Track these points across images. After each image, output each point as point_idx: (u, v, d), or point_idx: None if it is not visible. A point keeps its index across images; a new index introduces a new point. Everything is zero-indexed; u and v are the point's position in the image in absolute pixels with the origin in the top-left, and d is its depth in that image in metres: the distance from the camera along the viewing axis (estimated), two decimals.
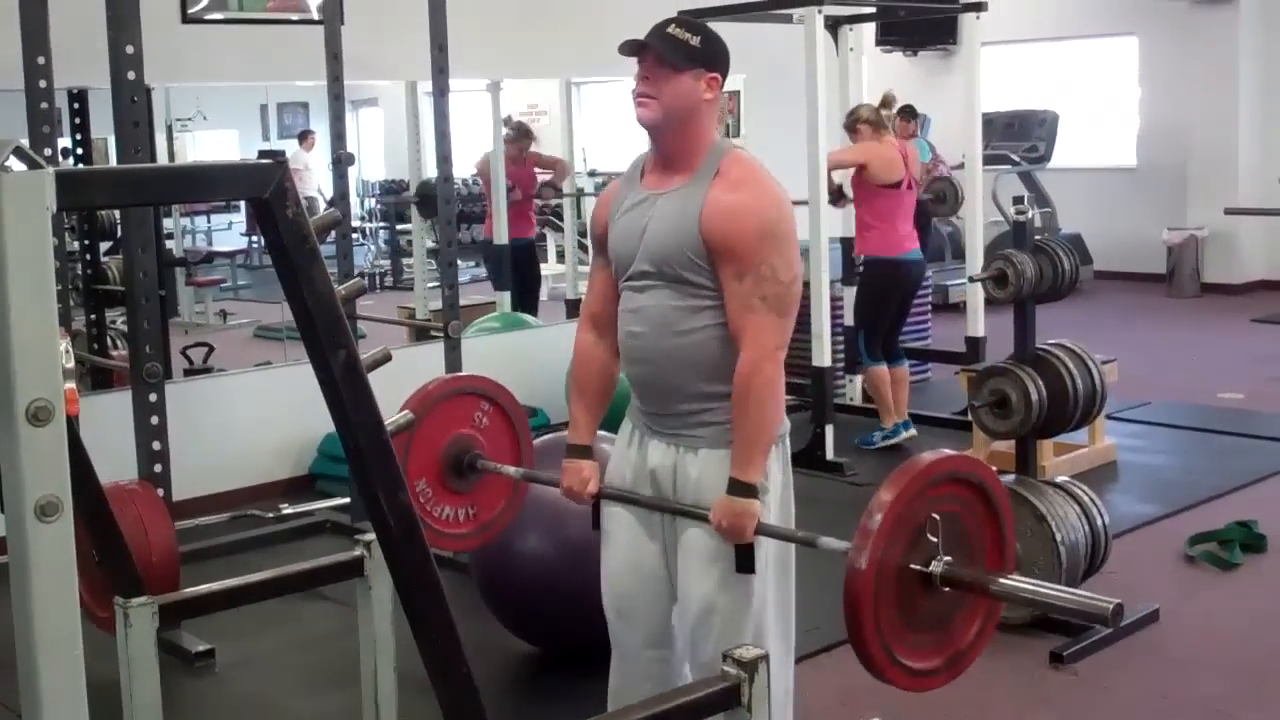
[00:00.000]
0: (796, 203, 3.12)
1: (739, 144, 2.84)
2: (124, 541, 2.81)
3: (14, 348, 1.42)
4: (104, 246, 6.77)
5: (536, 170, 8.75)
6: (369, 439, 1.87)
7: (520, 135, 8.49)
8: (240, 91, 8.66)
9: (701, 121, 2.72)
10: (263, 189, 1.69)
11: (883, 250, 6.51)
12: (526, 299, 8.37)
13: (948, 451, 2.42)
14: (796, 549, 2.86)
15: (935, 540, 2.26)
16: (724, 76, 2.75)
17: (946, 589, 2.29)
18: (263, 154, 1.71)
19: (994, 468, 4.62)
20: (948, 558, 2.27)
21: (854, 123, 6.59)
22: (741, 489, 2.67)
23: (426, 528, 3.13)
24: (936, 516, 2.26)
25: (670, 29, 2.70)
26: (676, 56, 2.67)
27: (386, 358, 2.34)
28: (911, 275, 6.68)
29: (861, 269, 6.75)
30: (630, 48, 2.70)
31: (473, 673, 2.10)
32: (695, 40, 2.69)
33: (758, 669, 2.31)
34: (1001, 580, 2.30)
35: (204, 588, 3.17)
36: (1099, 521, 4.28)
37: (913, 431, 6.66)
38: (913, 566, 2.27)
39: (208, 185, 1.83)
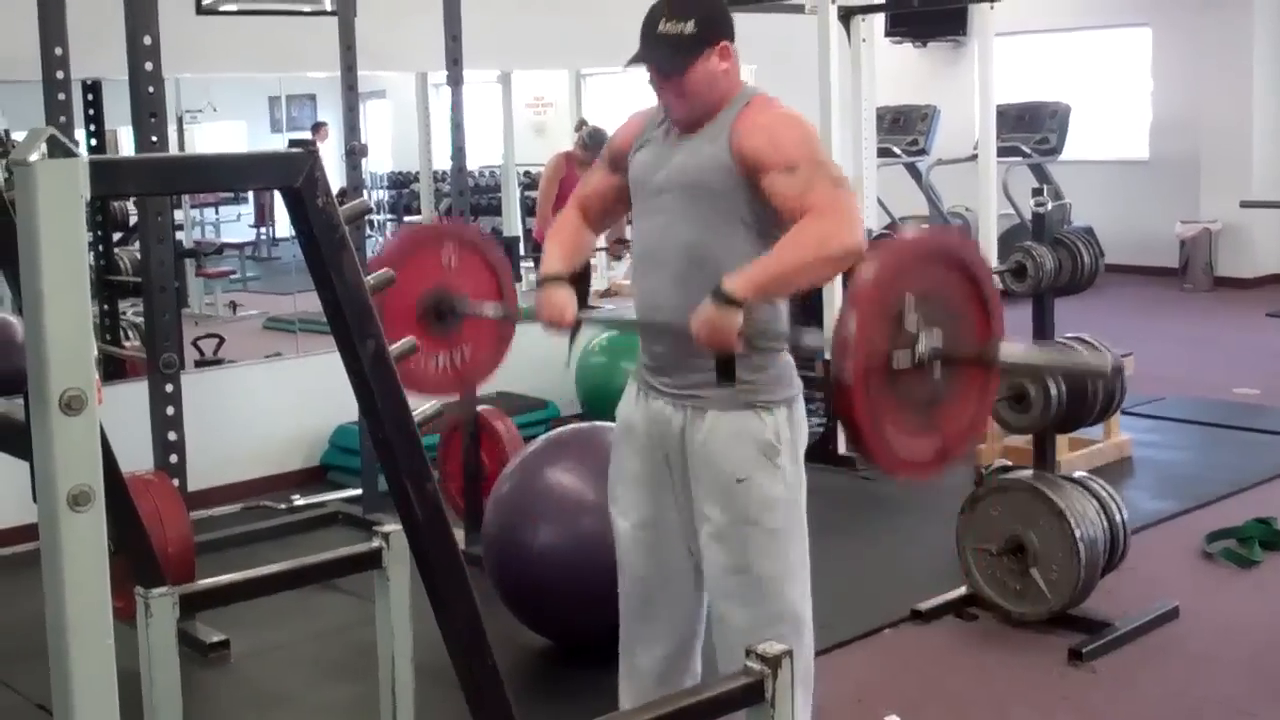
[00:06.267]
0: None
1: (763, 91, 2.79)
2: (145, 532, 2.81)
3: (48, 337, 1.41)
4: (115, 237, 6.77)
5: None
6: (396, 429, 1.87)
7: (597, 148, 8.08)
8: (247, 83, 8.64)
9: (723, 86, 2.69)
10: (294, 178, 1.68)
11: None
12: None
13: (915, 233, 2.35)
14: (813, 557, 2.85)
15: (916, 323, 2.18)
16: (731, 35, 2.70)
17: (937, 369, 2.22)
18: (293, 143, 1.70)
19: (1009, 461, 4.61)
20: (935, 335, 2.20)
21: None
22: (725, 298, 2.49)
23: (415, 379, 2.98)
24: (911, 298, 2.17)
25: (662, 27, 2.64)
26: (677, 61, 2.63)
27: (413, 349, 2.33)
28: None
29: None
30: (634, 62, 2.68)
31: (497, 663, 2.10)
32: (689, 26, 2.63)
33: (781, 664, 2.30)
34: (994, 347, 2.23)
35: (223, 578, 3.15)
36: (1118, 517, 4.25)
37: None
38: (898, 355, 2.18)
39: (240, 174, 1.83)
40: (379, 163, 11.45)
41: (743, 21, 7.33)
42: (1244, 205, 10.00)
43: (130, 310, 6.66)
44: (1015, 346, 2.29)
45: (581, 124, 8.11)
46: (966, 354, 2.22)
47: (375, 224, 11.52)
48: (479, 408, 5.10)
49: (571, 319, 2.86)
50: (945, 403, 2.26)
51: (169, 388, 4.28)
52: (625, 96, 9.07)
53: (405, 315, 3.01)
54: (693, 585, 2.93)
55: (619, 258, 8.57)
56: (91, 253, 6.38)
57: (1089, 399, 4.26)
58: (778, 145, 2.60)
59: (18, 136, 6.57)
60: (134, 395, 4.57)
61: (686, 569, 2.91)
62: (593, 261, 9.15)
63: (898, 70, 12.39)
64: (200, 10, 5.79)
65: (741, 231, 2.68)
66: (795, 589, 2.83)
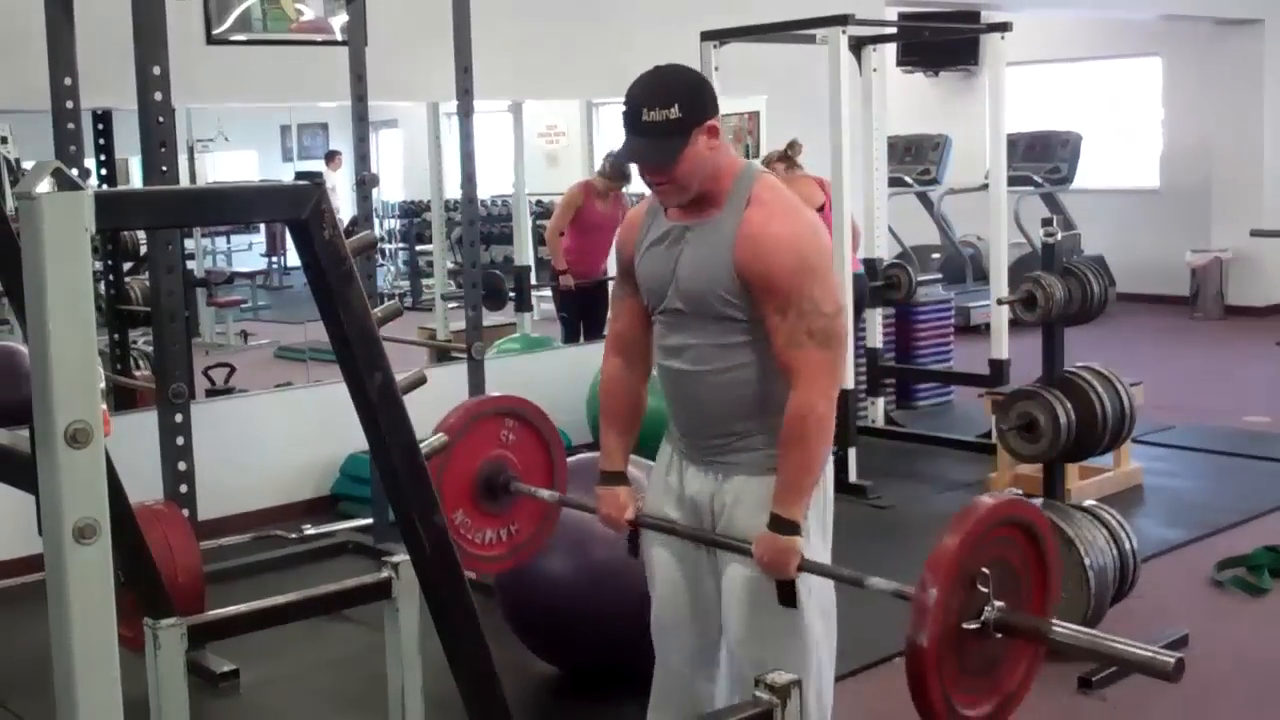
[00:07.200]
0: None
1: (765, 170, 2.76)
2: (154, 562, 2.80)
3: (53, 370, 1.41)
4: (125, 266, 6.80)
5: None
6: (404, 461, 1.87)
7: (618, 177, 7.93)
8: (259, 112, 8.68)
9: (718, 164, 2.64)
10: (300, 211, 1.69)
11: None
12: (592, 336, 8.14)
13: (1007, 496, 2.41)
14: (837, 589, 2.84)
15: (987, 590, 2.25)
16: (716, 111, 2.64)
17: (999, 635, 2.28)
18: (300, 175, 1.70)
19: (1021, 492, 4.62)
20: (1000, 604, 2.26)
21: (766, 164, 6.63)
22: (784, 525, 2.63)
23: (464, 554, 3.14)
24: (987, 571, 2.25)
25: (646, 116, 2.58)
26: (667, 149, 2.58)
27: (421, 380, 2.33)
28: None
29: None
30: (623, 159, 2.70)
31: (505, 692, 2.09)
32: (674, 111, 2.56)
33: (790, 694, 2.29)
34: (1058, 629, 2.27)
35: (232, 609, 3.15)
36: (1127, 546, 4.25)
37: None
38: (968, 624, 2.25)
39: (246, 207, 1.83)
40: (391, 191, 11.46)
41: (755, 51, 7.34)
42: (1254, 234, 9.99)
43: (141, 339, 6.68)
44: (1080, 631, 2.35)
45: (610, 154, 8.13)
46: (1027, 626, 2.29)
47: (387, 253, 11.55)
48: None
49: (630, 521, 2.91)
50: (996, 667, 2.33)
51: (179, 417, 4.28)
52: None
53: (461, 486, 3.12)
54: (716, 629, 2.92)
55: None
56: (102, 282, 6.40)
57: (1099, 429, 4.25)
58: (771, 276, 2.58)
59: (29, 165, 6.60)
60: (144, 425, 4.58)
61: (712, 618, 2.91)
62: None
63: (909, 100, 12.42)
64: (210, 40, 5.83)
65: (750, 339, 2.69)
66: (814, 662, 2.81)
